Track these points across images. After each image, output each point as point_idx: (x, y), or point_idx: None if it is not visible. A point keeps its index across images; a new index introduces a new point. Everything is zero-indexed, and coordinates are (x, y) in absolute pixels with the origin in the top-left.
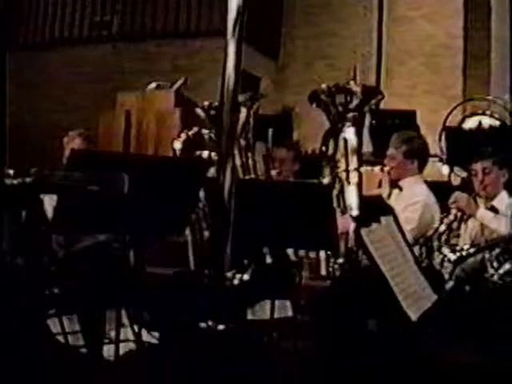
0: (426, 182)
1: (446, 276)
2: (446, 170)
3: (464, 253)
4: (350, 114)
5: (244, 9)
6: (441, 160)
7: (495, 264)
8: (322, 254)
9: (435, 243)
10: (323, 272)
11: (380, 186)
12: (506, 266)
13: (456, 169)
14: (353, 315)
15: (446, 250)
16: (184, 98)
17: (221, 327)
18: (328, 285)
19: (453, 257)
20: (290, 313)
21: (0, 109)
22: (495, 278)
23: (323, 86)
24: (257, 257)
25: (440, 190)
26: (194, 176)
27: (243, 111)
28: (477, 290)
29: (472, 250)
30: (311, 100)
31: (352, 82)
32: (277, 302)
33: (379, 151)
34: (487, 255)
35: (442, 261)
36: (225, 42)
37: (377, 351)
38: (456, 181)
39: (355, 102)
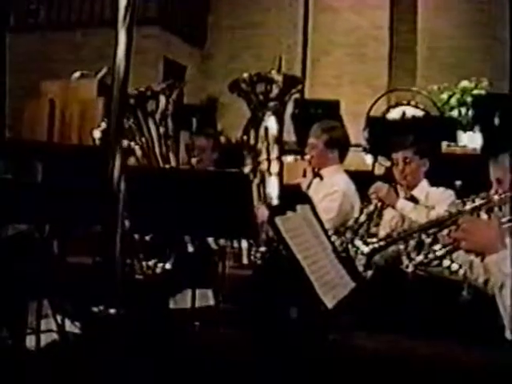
0: (349, 171)
1: (360, 268)
2: (369, 159)
3: (377, 245)
4: (271, 103)
5: None
6: (365, 150)
7: (413, 255)
8: (244, 243)
9: (348, 235)
10: (245, 261)
11: (305, 175)
12: (419, 258)
13: (380, 158)
14: (274, 303)
15: (358, 242)
16: (107, 87)
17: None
18: (250, 273)
19: (366, 249)
20: (211, 302)
21: None
22: (409, 269)
23: (244, 74)
24: (178, 246)
25: (363, 179)
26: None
27: (162, 99)
28: (392, 280)
29: (383, 243)
30: (232, 89)
31: (273, 71)
32: (198, 291)
33: (303, 141)
34: (402, 246)
35: (356, 253)
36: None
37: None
38: (380, 170)
39: (276, 90)
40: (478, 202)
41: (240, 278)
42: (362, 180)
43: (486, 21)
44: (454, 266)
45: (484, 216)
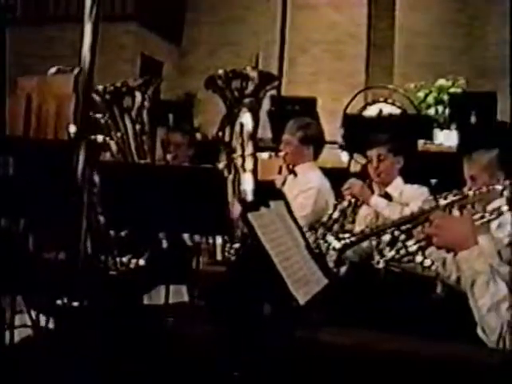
0: (325, 168)
1: (331, 264)
2: (345, 156)
3: (348, 241)
4: (246, 100)
5: None
6: (341, 147)
7: (385, 251)
8: (219, 239)
9: (320, 231)
10: (219, 257)
11: (280, 172)
12: (390, 254)
13: (356, 156)
14: (248, 300)
15: (330, 238)
16: None
17: (75, 304)
18: (224, 270)
19: (337, 245)
20: (185, 298)
21: None
22: (380, 265)
23: (220, 71)
24: (153, 242)
25: (339, 176)
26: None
27: (138, 95)
28: (364, 276)
29: (355, 239)
30: (207, 85)
31: (248, 68)
32: (172, 287)
33: (279, 137)
34: (374, 242)
35: (327, 249)
36: (82, 24)
37: (272, 335)
38: (356, 168)
39: (251, 87)
40: (450, 198)
41: (214, 275)
42: (337, 177)
43: (463, 20)
44: (427, 262)
45: (456, 213)
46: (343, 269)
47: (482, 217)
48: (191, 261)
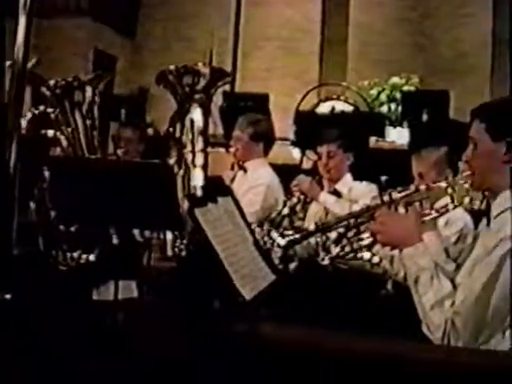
0: (276, 165)
1: (276, 261)
2: (297, 153)
3: (293, 238)
4: (197, 96)
5: None
6: (293, 143)
7: (331, 248)
8: (169, 234)
9: (265, 227)
10: (170, 253)
11: (233, 168)
12: (335, 250)
13: (308, 152)
14: (198, 296)
15: (274, 235)
16: (36, 77)
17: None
18: (174, 265)
19: (282, 242)
20: (135, 293)
21: None
22: (325, 261)
23: (171, 66)
24: (103, 238)
25: (291, 173)
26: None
27: (89, 90)
28: (312, 273)
29: (299, 236)
30: (159, 81)
31: (200, 63)
32: (122, 283)
33: (231, 134)
34: (319, 239)
35: (272, 245)
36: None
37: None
38: (308, 164)
39: (202, 83)
40: (395, 196)
41: (164, 270)
42: (289, 174)
43: (417, 18)
44: (375, 260)
45: (402, 210)
46: (292, 265)
47: (429, 214)
48: (142, 256)
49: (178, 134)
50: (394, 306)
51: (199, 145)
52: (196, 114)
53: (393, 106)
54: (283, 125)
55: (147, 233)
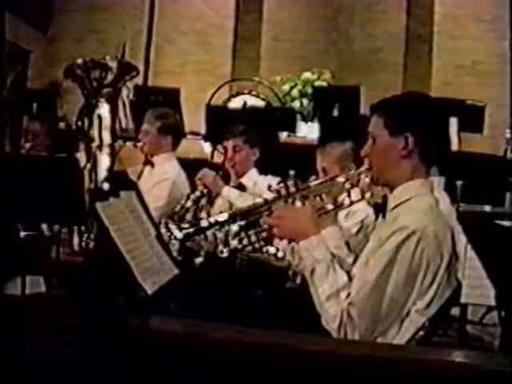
0: (187, 159)
1: (175, 254)
2: (208, 148)
3: (190, 230)
4: (105, 90)
5: None
6: (204, 138)
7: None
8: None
9: (163, 220)
10: (76, 247)
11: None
12: (234, 243)
13: (219, 147)
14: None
15: (172, 227)
16: None
17: None
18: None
19: (179, 234)
20: (43, 288)
21: None
22: (224, 254)
23: (79, 60)
24: (9, 232)
25: (201, 167)
26: None
27: None
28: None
29: (195, 229)
30: (67, 75)
31: (108, 57)
32: (29, 278)
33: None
34: (220, 233)
35: (169, 238)
36: None
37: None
38: (219, 159)
39: (110, 77)
40: (292, 190)
41: (72, 265)
42: (199, 168)
43: (330, 14)
44: (280, 254)
45: (299, 203)
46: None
47: (329, 208)
48: (49, 251)
49: (86, 128)
50: (299, 299)
51: (106, 139)
52: (103, 109)
53: (305, 101)
54: (195, 119)
55: (56, 227)
